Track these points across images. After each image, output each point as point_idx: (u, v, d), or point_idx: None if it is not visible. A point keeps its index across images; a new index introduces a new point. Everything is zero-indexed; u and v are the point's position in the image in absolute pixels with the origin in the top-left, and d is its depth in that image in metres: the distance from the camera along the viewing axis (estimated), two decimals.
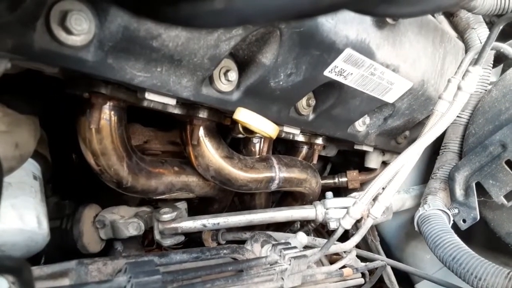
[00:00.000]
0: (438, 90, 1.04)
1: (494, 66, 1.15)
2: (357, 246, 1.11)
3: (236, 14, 0.20)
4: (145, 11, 0.23)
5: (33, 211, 0.79)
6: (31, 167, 0.86)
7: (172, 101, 0.73)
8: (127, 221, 0.96)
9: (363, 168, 1.42)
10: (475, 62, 0.72)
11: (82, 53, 0.56)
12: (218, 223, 0.94)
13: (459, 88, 0.74)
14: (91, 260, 0.68)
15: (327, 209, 1.06)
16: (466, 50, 1.09)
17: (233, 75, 0.75)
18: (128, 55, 0.61)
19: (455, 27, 1.14)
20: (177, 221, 0.93)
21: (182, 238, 1.01)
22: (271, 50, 0.73)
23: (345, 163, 1.53)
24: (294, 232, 1.36)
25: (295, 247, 0.77)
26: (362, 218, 0.83)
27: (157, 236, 0.96)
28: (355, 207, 0.75)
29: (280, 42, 0.72)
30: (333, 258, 1.08)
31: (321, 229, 1.43)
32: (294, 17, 0.22)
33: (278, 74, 0.78)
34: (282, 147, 1.36)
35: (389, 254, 1.45)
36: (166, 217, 0.92)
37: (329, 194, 1.15)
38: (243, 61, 0.77)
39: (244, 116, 0.74)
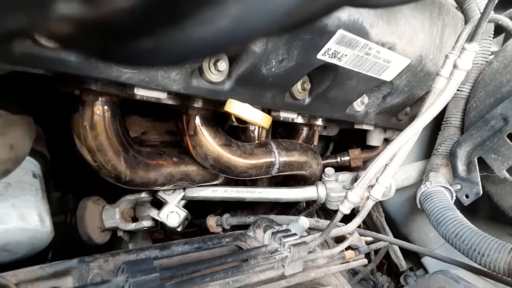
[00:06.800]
0: (437, 65, 1.02)
1: (496, 36, 1.12)
2: (363, 222, 1.11)
3: (167, 54, 0.19)
4: (76, 46, 0.22)
5: (35, 209, 0.79)
6: (30, 165, 0.86)
7: (163, 95, 0.72)
8: (137, 226, 0.99)
9: (366, 146, 1.41)
10: (471, 38, 0.70)
11: (65, 54, 0.55)
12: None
13: (455, 66, 0.72)
14: (92, 257, 0.69)
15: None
16: (466, 21, 1.05)
17: (223, 65, 0.73)
18: None
19: None
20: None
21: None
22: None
23: (347, 141, 1.51)
24: (299, 212, 1.37)
25: (294, 234, 0.77)
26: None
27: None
28: (353, 192, 0.75)
29: None
30: (339, 237, 1.09)
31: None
32: (227, 51, 0.21)
33: (270, 60, 0.76)
34: (283, 130, 1.35)
35: (394, 229, 1.45)
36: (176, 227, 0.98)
37: (330, 170, 1.15)
38: None
39: (235, 107, 0.73)
